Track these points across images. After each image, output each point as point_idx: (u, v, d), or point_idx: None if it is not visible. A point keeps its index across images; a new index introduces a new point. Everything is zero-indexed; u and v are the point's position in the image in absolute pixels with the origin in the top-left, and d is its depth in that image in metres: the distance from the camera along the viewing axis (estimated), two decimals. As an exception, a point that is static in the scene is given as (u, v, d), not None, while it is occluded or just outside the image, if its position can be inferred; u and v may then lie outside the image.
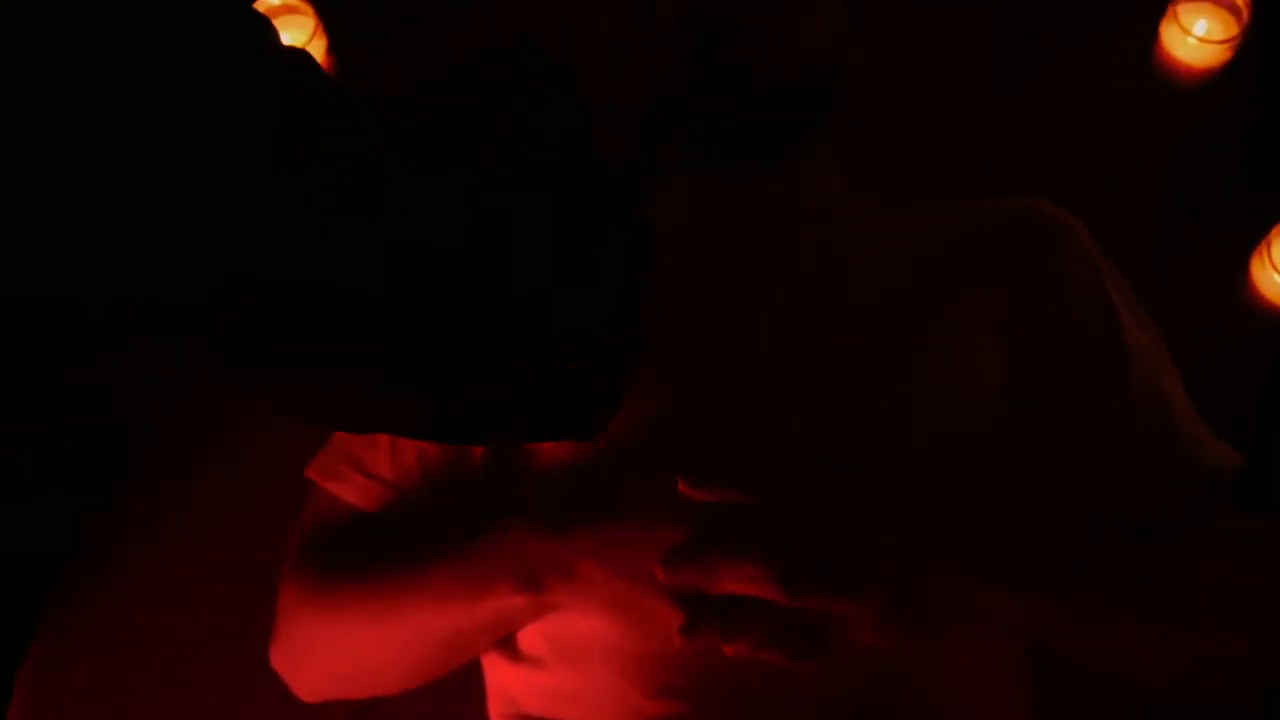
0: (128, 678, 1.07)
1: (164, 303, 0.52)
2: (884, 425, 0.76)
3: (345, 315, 0.56)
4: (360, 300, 0.56)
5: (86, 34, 0.50)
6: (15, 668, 1.06)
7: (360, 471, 0.85)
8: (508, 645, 0.81)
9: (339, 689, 0.87)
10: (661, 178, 0.89)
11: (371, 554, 0.82)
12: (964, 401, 0.77)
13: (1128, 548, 0.74)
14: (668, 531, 0.70)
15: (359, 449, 0.86)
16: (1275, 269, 1.07)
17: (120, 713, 1.06)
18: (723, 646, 0.69)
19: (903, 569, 0.68)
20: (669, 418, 0.77)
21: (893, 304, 0.80)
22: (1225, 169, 1.14)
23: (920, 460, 0.76)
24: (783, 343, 0.79)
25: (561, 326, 0.63)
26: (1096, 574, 0.70)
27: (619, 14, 0.93)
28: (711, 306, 0.81)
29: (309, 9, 1.19)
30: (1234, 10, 1.14)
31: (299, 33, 1.18)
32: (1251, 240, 1.10)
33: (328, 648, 0.83)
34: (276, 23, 1.17)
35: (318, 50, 1.19)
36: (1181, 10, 1.14)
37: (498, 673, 0.83)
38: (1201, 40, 1.13)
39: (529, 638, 0.80)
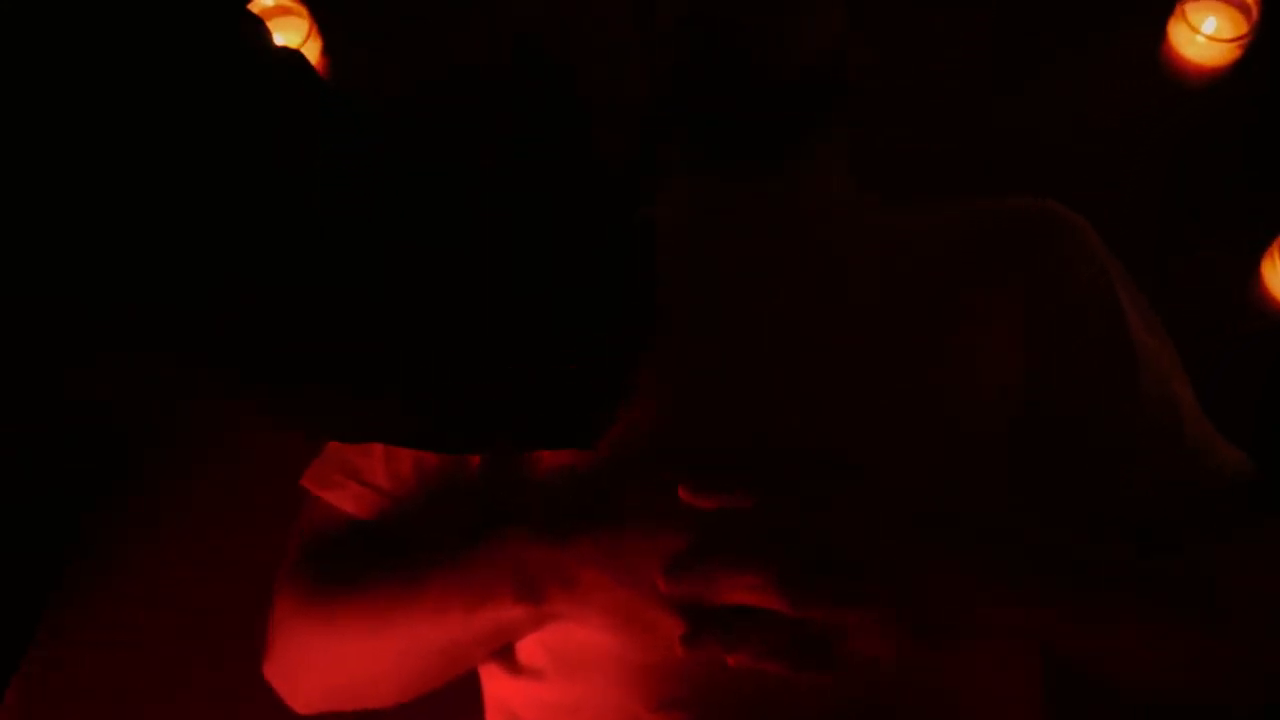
0: (128, 678, 1.07)
1: (164, 302, 0.52)
2: (885, 425, 0.76)
3: (345, 315, 0.56)
4: (360, 300, 0.56)
5: (85, 34, 0.50)
6: (15, 667, 1.06)
7: (356, 480, 0.84)
8: (506, 656, 0.80)
9: (334, 701, 0.86)
10: (661, 178, 0.89)
11: (367, 564, 0.81)
12: (966, 401, 0.77)
13: (1128, 548, 0.73)
14: (670, 539, 0.70)
15: (354, 457, 0.85)
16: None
17: (120, 713, 1.07)
18: (725, 657, 0.68)
19: (903, 571, 0.67)
20: (670, 421, 0.76)
21: (894, 304, 0.80)
22: (1226, 169, 1.14)
23: (921, 460, 0.75)
24: (783, 343, 0.79)
25: (561, 326, 0.63)
26: (1096, 574, 0.70)
27: (619, 14, 0.93)
28: (711, 306, 0.80)
29: (304, 10, 1.18)
30: (1243, 8, 1.13)
31: (294, 34, 1.18)
32: (1251, 240, 1.10)
33: (322, 660, 0.82)
34: (271, 24, 1.18)
35: (312, 52, 1.19)
36: (1190, 9, 1.13)
37: (496, 684, 0.82)
38: (1210, 39, 1.12)
39: (528, 648, 0.79)
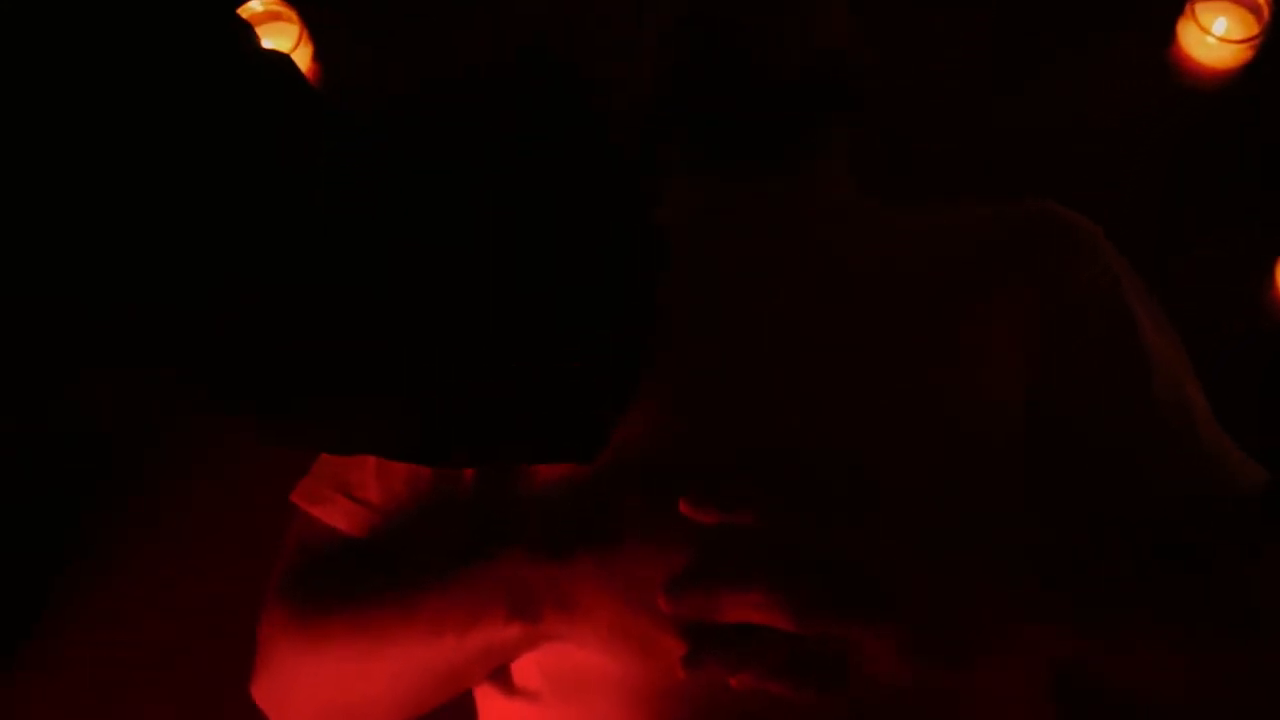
0: (127, 677, 1.07)
1: (164, 302, 0.52)
2: (887, 426, 0.75)
3: (348, 313, 0.56)
4: (363, 298, 0.56)
5: (84, 34, 0.50)
6: (14, 667, 1.06)
7: (347, 496, 0.82)
8: (501, 677, 0.78)
9: None
10: (661, 178, 0.89)
11: (358, 582, 0.79)
12: (967, 402, 0.76)
13: (1152, 563, 0.70)
14: (671, 555, 0.67)
15: (346, 472, 0.83)
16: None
17: (119, 712, 1.07)
18: (728, 678, 0.65)
19: (917, 587, 0.64)
20: (670, 427, 0.75)
21: (895, 303, 0.79)
22: (1226, 169, 1.14)
23: (927, 464, 0.73)
24: (783, 343, 0.78)
25: (565, 324, 0.63)
26: (1120, 591, 0.67)
27: (620, 13, 0.93)
28: (711, 307, 0.80)
29: (294, 15, 1.18)
30: (1254, 9, 1.12)
31: (284, 40, 1.17)
32: (1250, 240, 1.10)
33: (312, 681, 0.80)
34: (261, 29, 1.18)
35: (304, 57, 1.18)
36: (1200, 9, 1.11)
37: (491, 706, 0.80)
38: (1221, 40, 1.11)
39: (524, 669, 0.77)
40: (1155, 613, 0.67)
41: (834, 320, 0.79)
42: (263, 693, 0.82)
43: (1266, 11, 1.10)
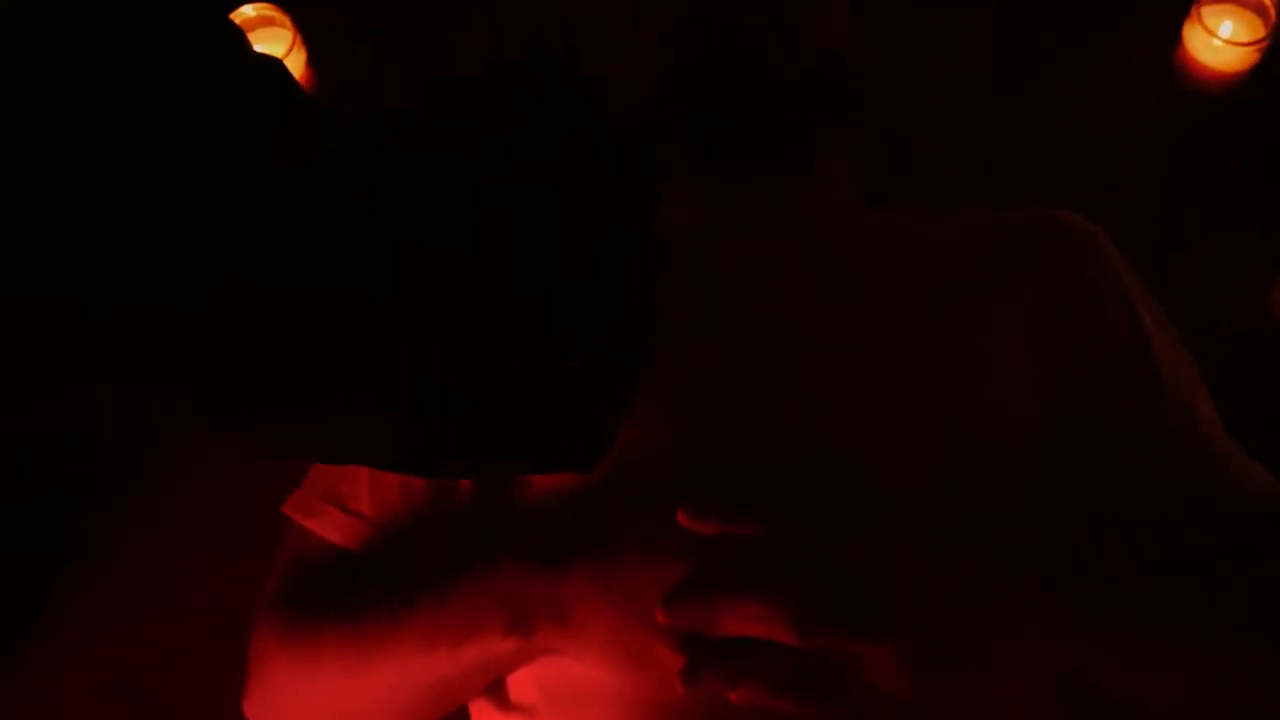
0: (127, 677, 1.07)
1: (164, 302, 0.52)
2: (890, 428, 0.74)
3: (348, 311, 0.56)
4: (363, 297, 0.56)
5: (82, 36, 0.50)
6: (15, 667, 1.06)
7: (340, 507, 0.81)
8: (497, 692, 0.77)
9: None
10: (662, 177, 0.89)
11: (350, 595, 0.77)
12: (973, 406, 0.75)
13: (1167, 575, 0.68)
14: (671, 566, 0.66)
15: (339, 484, 0.82)
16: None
17: (119, 712, 1.07)
18: (727, 693, 0.63)
19: (923, 600, 0.62)
20: (669, 424, 0.75)
21: (897, 304, 0.79)
22: (1226, 168, 1.14)
23: (933, 466, 0.72)
24: (783, 343, 0.78)
25: (564, 323, 0.63)
26: (1136, 604, 0.65)
27: (619, 13, 0.93)
28: (711, 307, 0.80)
29: (287, 21, 1.18)
30: (1260, 11, 1.11)
31: (277, 45, 1.17)
32: (1250, 240, 1.10)
33: (305, 696, 0.78)
34: (254, 35, 1.18)
35: (297, 62, 1.18)
36: (1206, 12, 1.10)
37: None
38: (1228, 42, 1.10)
39: (520, 684, 0.76)
40: (1156, 615, 0.66)
41: (834, 320, 0.79)
42: (255, 708, 0.81)
43: (1273, 14, 1.10)
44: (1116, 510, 0.74)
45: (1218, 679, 0.67)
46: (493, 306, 0.59)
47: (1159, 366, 0.77)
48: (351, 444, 0.63)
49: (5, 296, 0.50)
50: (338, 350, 0.56)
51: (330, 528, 0.81)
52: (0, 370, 0.53)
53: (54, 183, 0.50)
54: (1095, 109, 1.17)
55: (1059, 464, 0.75)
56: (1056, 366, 0.77)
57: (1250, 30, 1.12)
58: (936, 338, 0.77)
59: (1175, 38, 1.14)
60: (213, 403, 0.57)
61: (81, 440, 1.10)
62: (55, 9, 0.50)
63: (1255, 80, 1.12)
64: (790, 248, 0.83)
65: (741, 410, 0.76)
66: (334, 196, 0.55)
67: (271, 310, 0.54)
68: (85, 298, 0.51)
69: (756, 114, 0.85)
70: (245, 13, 1.17)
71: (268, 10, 1.18)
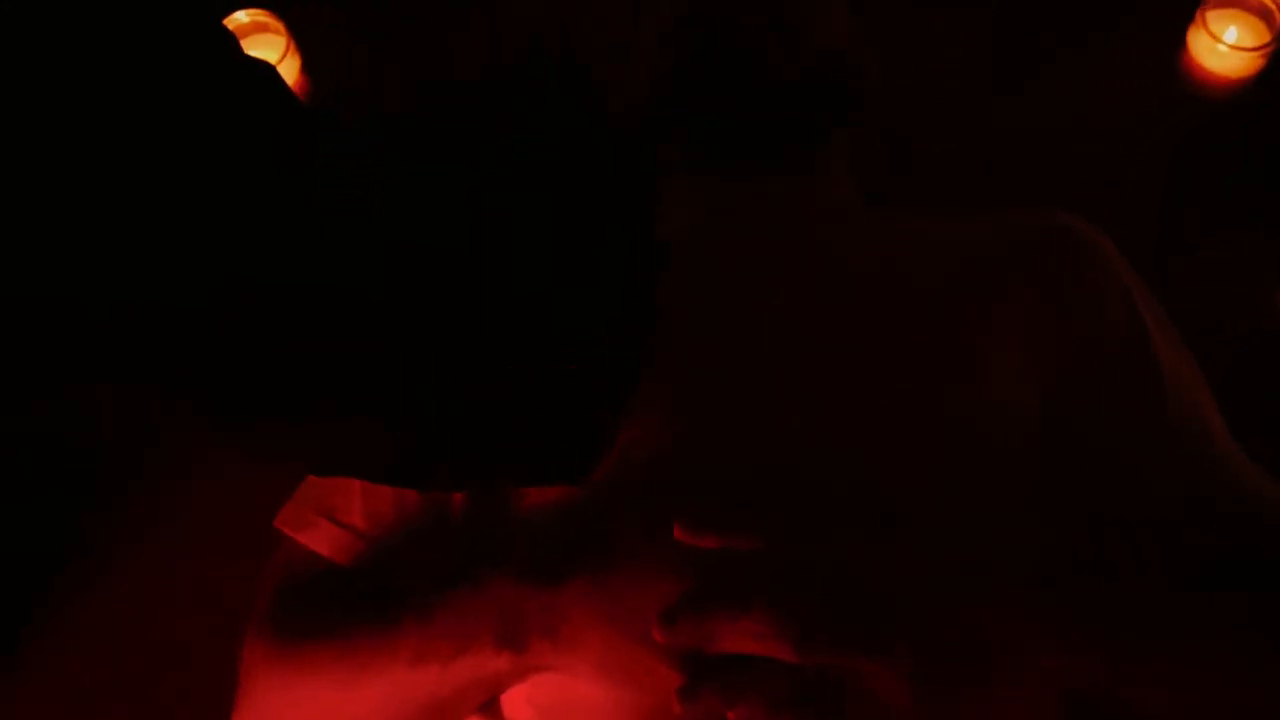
0: (127, 677, 1.07)
1: (164, 302, 0.52)
2: (891, 427, 0.74)
3: (345, 314, 0.56)
4: (361, 299, 0.56)
5: (81, 39, 0.50)
6: (14, 667, 1.06)
7: (331, 520, 0.79)
8: (490, 711, 0.76)
9: None
10: (662, 178, 0.89)
11: (341, 611, 0.76)
12: (974, 406, 0.74)
13: (1178, 584, 0.67)
14: (668, 580, 0.65)
15: (331, 497, 0.80)
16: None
17: (120, 712, 1.06)
18: (726, 712, 0.62)
19: (929, 613, 0.61)
20: (669, 424, 0.74)
21: (897, 304, 0.79)
22: (1226, 169, 1.13)
23: (933, 465, 0.72)
24: (783, 343, 0.78)
25: (562, 326, 0.63)
26: (1149, 614, 0.64)
27: (619, 14, 0.93)
28: (711, 307, 0.80)
29: (281, 27, 1.17)
30: (1265, 15, 1.10)
31: (271, 51, 1.16)
32: (1251, 240, 1.10)
33: (294, 714, 0.77)
34: (248, 41, 1.18)
35: (291, 68, 1.17)
36: (1210, 17, 1.10)
37: None
38: (1234, 48, 1.09)
39: (513, 702, 0.74)
40: (1156, 614, 0.65)
41: (834, 320, 0.79)
42: None
43: (1278, 18, 1.09)
44: (1116, 510, 0.74)
45: (1217, 679, 0.66)
46: (490, 309, 0.59)
47: (1159, 366, 0.76)
48: (346, 451, 0.63)
49: (6, 296, 0.50)
50: (336, 352, 0.56)
51: (321, 541, 0.80)
52: (0, 370, 0.53)
53: (55, 183, 0.50)
54: (1095, 109, 1.16)
55: (1059, 464, 0.75)
56: (1056, 366, 0.77)
57: (1255, 35, 1.11)
58: (936, 338, 0.77)
59: (1176, 37, 1.14)
60: (212, 404, 0.57)
61: (81, 440, 1.10)
62: (54, 12, 0.50)
63: (1260, 85, 1.12)
64: (790, 248, 0.83)
65: (741, 410, 0.75)
66: (332, 199, 0.55)
67: (270, 311, 0.54)
68: (85, 298, 0.51)
69: (756, 114, 0.84)
70: (239, 18, 1.17)
71: (261, 16, 1.17)
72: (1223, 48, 1.10)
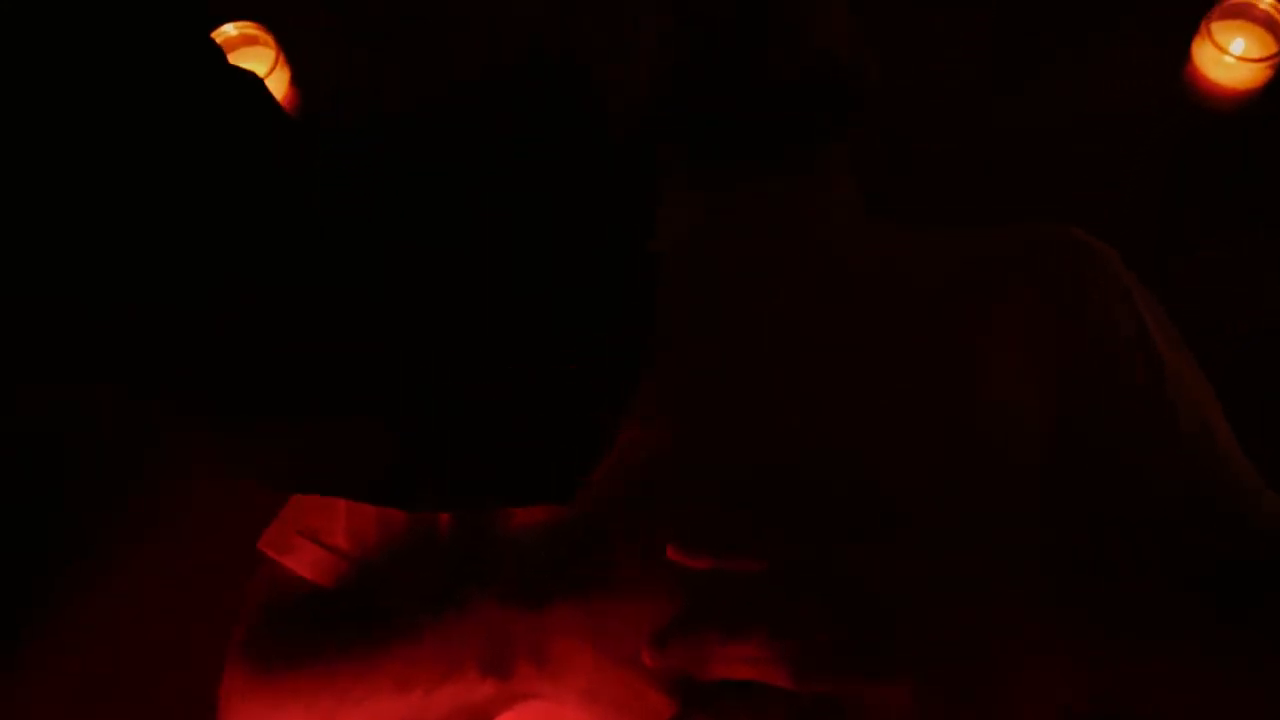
0: (127, 677, 1.07)
1: (164, 302, 0.52)
2: (891, 427, 0.73)
3: (346, 315, 0.56)
4: (361, 299, 0.56)
5: (81, 41, 0.50)
6: (14, 667, 1.06)
7: (315, 542, 0.78)
8: None
9: None
10: (661, 177, 0.89)
11: (323, 635, 0.75)
12: (974, 406, 0.74)
13: (1194, 596, 0.65)
14: (661, 602, 0.62)
15: (314, 518, 0.79)
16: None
17: (120, 712, 1.06)
18: None
19: (936, 634, 0.59)
20: (669, 424, 0.73)
21: (897, 304, 0.79)
22: (1230, 168, 1.13)
23: (933, 465, 0.71)
24: (783, 343, 0.78)
25: (562, 326, 0.63)
26: (1167, 629, 0.62)
27: (616, 15, 0.93)
28: (711, 307, 0.80)
29: (270, 40, 1.17)
30: (1271, 26, 1.09)
31: (260, 64, 1.16)
32: (1252, 240, 1.10)
33: None
34: (237, 54, 1.18)
35: (281, 81, 1.17)
36: (1216, 28, 1.08)
37: None
38: (1240, 59, 1.08)
39: None
40: (1156, 614, 0.64)
41: (834, 320, 0.79)
42: None
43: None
44: (1117, 510, 0.73)
45: (1218, 679, 0.65)
46: (490, 309, 0.59)
47: (1161, 366, 0.76)
48: (339, 462, 0.62)
49: (6, 297, 0.50)
50: (336, 352, 0.56)
51: (303, 564, 0.78)
52: (0, 370, 0.53)
53: (56, 184, 0.50)
54: (1095, 109, 1.17)
55: (1059, 464, 0.75)
56: (1057, 366, 0.77)
57: (1262, 46, 1.10)
58: (937, 337, 0.77)
59: (1176, 38, 1.14)
60: (212, 404, 0.57)
61: (81, 440, 1.10)
62: (54, 16, 0.50)
63: (1267, 97, 1.11)
64: (790, 248, 0.83)
65: (741, 410, 0.75)
66: (331, 199, 0.55)
67: (270, 311, 0.54)
68: (85, 298, 0.51)
69: (756, 114, 0.84)
70: (227, 31, 1.16)
71: (250, 29, 1.17)
72: (1229, 59, 1.08)
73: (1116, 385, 0.76)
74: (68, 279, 0.51)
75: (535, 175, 0.63)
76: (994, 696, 0.60)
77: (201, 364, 0.55)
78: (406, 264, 0.57)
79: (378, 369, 0.58)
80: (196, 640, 1.06)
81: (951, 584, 0.62)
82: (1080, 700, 0.62)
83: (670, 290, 0.73)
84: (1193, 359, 0.79)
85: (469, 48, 1.18)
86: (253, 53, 1.17)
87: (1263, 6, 1.10)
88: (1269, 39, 1.10)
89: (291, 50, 1.18)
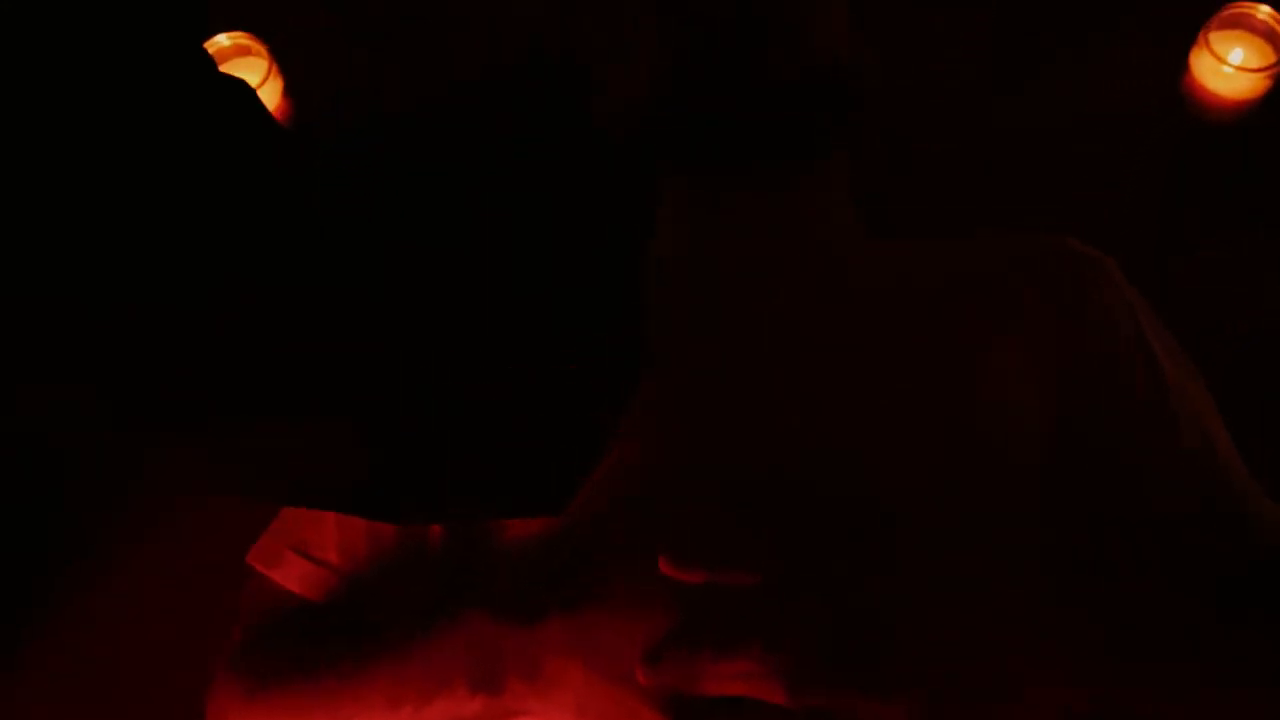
0: (126, 678, 1.07)
1: (164, 302, 0.52)
2: (890, 427, 0.73)
3: (345, 315, 0.56)
4: (361, 299, 0.56)
5: (81, 43, 0.50)
6: (14, 667, 1.06)
7: (304, 555, 0.77)
8: None
9: None
10: (661, 178, 0.89)
11: (312, 650, 0.74)
12: (974, 406, 0.74)
13: (1201, 608, 0.63)
14: (654, 617, 0.61)
15: (304, 531, 0.78)
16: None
17: (119, 712, 1.06)
18: None
19: (938, 647, 0.58)
20: (667, 424, 0.73)
21: (897, 304, 0.79)
22: (1230, 168, 1.13)
23: (932, 465, 0.71)
24: (783, 343, 0.78)
25: (562, 326, 0.63)
26: (1175, 641, 0.61)
27: (616, 16, 0.93)
28: (711, 307, 0.80)
29: (263, 50, 1.17)
30: (1270, 36, 1.09)
31: (253, 74, 1.16)
32: (1252, 240, 1.10)
33: None
34: (230, 65, 1.18)
35: (274, 91, 1.17)
36: (1214, 38, 1.08)
37: None
38: (1238, 69, 1.07)
39: None
40: (1156, 613, 0.63)
41: (834, 320, 0.79)
42: None
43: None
44: (1117, 511, 0.73)
45: (1219, 681, 0.64)
46: (489, 309, 0.59)
47: (1162, 366, 0.76)
48: (333, 472, 0.61)
49: (7, 297, 0.50)
50: (336, 352, 0.56)
51: (293, 578, 0.78)
52: (0, 370, 0.53)
53: (56, 185, 0.50)
54: (1095, 109, 1.16)
55: (1059, 464, 0.75)
56: (1057, 366, 0.77)
57: (1261, 56, 1.09)
58: (937, 338, 0.77)
59: (1176, 37, 1.14)
60: (211, 404, 0.57)
61: (81, 440, 1.10)
62: (53, 20, 0.50)
63: (1266, 108, 1.11)
64: (790, 248, 0.83)
65: (740, 410, 0.75)
66: (331, 199, 0.55)
67: (270, 311, 0.54)
68: (85, 298, 0.51)
69: (756, 114, 0.84)
70: (220, 42, 1.16)
71: (243, 39, 1.17)
72: (1227, 69, 1.08)
73: (1117, 385, 0.76)
74: (67, 280, 0.51)
75: (535, 175, 0.63)
76: (994, 698, 0.59)
77: (201, 364, 0.55)
78: (405, 264, 0.57)
79: (377, 369, 0.58)
80: (196, 640, 1.06)
81: (951, 584, 0.61)
82: (1080, 701, 0.61)
83: (670, 290, 0.73)
84: (1194, 368, 0.79)
85: (469, 48, 1.18)
86: (246, 63, 1.17)
87: (1261, 16, 1.10)
88: (1268, 49, 1.09)
89: (285, 60, 1.18)
